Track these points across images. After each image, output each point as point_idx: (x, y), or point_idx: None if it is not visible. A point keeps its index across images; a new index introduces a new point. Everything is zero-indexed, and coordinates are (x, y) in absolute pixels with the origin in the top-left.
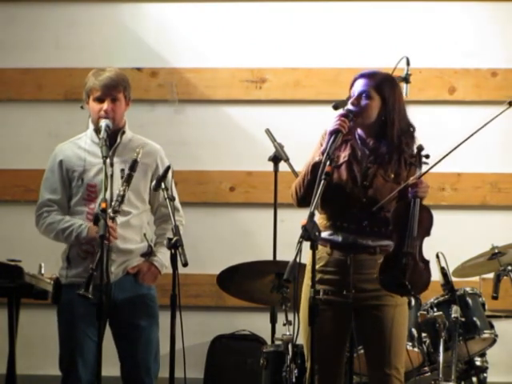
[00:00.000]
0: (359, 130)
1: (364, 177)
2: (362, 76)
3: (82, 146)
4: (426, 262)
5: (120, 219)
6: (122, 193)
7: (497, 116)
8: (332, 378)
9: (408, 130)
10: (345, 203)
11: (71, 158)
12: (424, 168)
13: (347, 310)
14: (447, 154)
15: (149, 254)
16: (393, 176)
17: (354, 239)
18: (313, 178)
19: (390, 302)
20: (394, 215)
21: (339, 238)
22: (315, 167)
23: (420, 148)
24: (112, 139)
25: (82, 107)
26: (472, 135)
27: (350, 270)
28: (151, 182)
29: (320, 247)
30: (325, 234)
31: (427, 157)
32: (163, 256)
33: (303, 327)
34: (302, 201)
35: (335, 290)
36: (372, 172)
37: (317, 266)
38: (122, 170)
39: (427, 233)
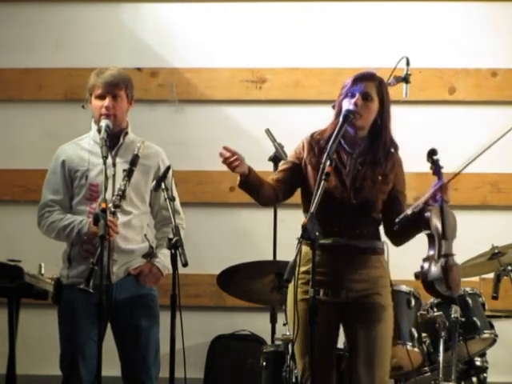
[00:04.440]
0: (348, 132)
1: (354, 179)
2: (363, 77)
3: (84, 146)
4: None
5: (121, 219)
6: (122, 187)
7: None
8: (324, 378)
9: (391, 139)
10: (335, 208)
11: (74, 158)
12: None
13: (337, 310)
14: (478, 155)
15: (150, 254)
16: (380, 178)
17: (345, 242)
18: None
19: (379, 301)
20: (433, 221)
21: (330, 241)
22: None
23: (433, 152)
24: (115, 140)
25: (83, 106)
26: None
27: (342, 270)
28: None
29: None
30: None
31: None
32: (165, 258)
33: (292, 328)
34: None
35: (326, 290)
36: (361, 174)
37: (305, 268)
38: (124, 171)
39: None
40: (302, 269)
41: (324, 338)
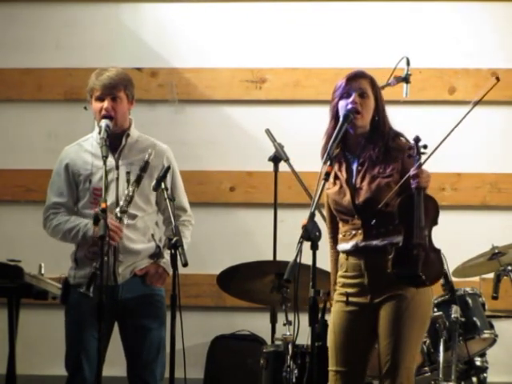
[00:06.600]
0: (348, 134)
1: (354, 181)
2: (356, 76)
3: (87, 148)
4: (437, 251)
5: (126, 222)
6: (131, 193)
7: (486, 93)
8: (357, 379)
9: (391, 128)
10: (346, 214)
11: (77, 161)
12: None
13: (371, 311)
14: (443, 140)
15: (157, 254)
16: (382, 171)
17: (363, 244)
18: None
19: (401, 304)
20: (399, 208)
21: (348, 246)
22: None
23: (417, 139)
24: (117, 142)
25: (85, 108)
26: (464, 117)
27: (365, 273)
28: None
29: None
30: (339, 246)
31: (425, 147)
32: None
33: (330, 332)
34: None
35: (357, 292)
36: (361, 174)
37: (340, 273)
38: (128, 173)
39: (434, 222)
40: (338, 273)
41: (361, 339)
